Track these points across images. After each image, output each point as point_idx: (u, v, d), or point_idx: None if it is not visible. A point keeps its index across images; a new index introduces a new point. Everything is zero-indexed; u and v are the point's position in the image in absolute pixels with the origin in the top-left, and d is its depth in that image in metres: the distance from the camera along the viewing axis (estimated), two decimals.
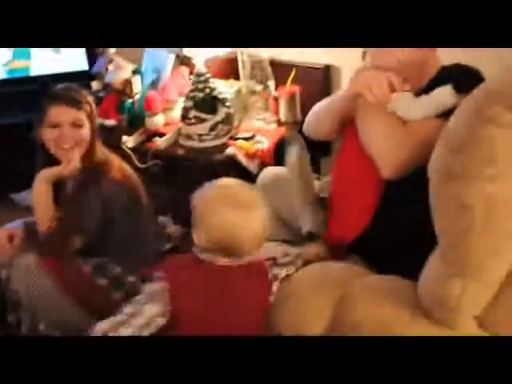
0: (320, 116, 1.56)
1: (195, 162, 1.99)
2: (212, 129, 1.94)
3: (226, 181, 1.29)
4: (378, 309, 1.20)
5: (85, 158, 1.58)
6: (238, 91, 2.14)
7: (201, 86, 1.94)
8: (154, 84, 2.25)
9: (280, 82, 2.13)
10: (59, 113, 1.54)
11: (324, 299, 1.27)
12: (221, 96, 1.98)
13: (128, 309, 1.15)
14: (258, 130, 2.05)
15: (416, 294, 1.20)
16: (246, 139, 1.99)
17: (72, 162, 1.49)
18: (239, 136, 2.02)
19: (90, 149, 1.60)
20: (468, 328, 1.11)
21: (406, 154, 1.30)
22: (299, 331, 1.25)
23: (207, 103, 1.95)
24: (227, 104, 1.99)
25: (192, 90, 1.96)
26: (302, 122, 1.77)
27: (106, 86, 2.33)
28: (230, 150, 1.91)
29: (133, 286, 1.58)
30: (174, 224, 1.97)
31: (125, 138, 2.03)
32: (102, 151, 1.69)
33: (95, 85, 2.47)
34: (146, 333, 1.13)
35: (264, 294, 1.22)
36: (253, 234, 1.15)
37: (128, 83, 2.26)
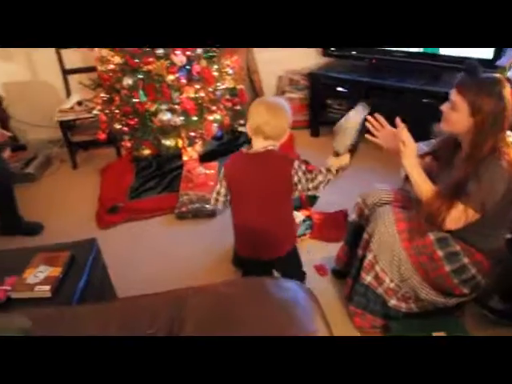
0: None
1: None
2: None
3: (268, 97, 1.84)
4: None
5: None
6: None
7: None
8: None
9: None
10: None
11: None
12: None
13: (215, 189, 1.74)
14: None
15: None
16: None
17: None
18: None
19: None
20: None
21: None
22: None
23: None
24: None
25: None
26: None
27: (509, 80, 2.22)
28: None
29: (463, 265, 1.63)
30: None
31: None
32: None
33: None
34: (220, 198, 1.73)
35: (286, 170, 1.63)
36: (274, 125, 1.60)
37: None
